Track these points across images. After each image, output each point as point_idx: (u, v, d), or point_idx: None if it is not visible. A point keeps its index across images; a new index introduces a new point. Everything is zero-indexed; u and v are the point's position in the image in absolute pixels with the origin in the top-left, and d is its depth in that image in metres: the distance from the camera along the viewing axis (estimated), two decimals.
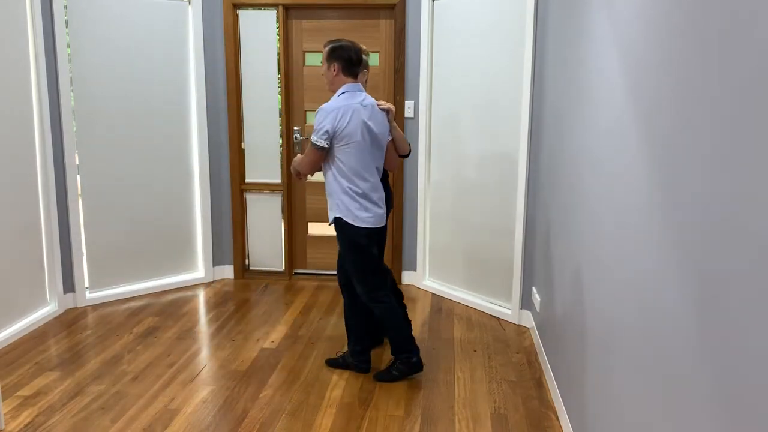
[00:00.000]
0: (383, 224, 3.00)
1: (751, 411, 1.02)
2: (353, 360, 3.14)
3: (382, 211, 2.98)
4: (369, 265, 2.95)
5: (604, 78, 2.12)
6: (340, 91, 2.89)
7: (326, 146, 2.84)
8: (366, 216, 2.90)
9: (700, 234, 1.25)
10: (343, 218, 2.90)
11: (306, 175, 3.01)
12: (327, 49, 2.89)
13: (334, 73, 2.89)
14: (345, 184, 2.88)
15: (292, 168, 3.02)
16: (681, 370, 1.33)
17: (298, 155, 3.00)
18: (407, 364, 3.04)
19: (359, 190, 2.89)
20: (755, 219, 1.02)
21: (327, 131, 2.81)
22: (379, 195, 2.97)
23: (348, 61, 2.87)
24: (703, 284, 1.23)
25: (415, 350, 3.05)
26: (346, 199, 2.89)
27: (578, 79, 2.56)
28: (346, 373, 3.13)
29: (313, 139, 2.83)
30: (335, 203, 2.92)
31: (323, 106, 2.85)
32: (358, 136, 2.84)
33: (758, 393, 1.00)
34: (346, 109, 2.82)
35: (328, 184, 2.95)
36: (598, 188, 2.15)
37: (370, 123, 2.87)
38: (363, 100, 2.88)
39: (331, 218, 2.96)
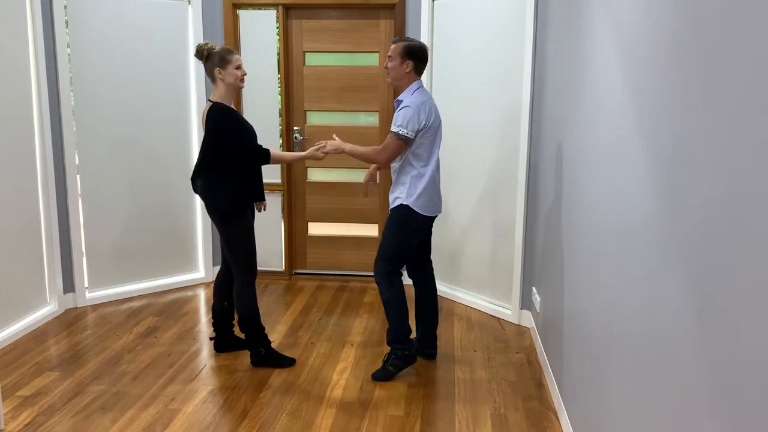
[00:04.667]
0: (440, 212, 3.15)
1: (751, 411, 1.02)
2: (420, 345, 3.28)
3: (440, 200, 3.14)
4: (406, 249, 3.08)
5: (603, 78, 2.12)
6: (414, 86, 3.02)
7: (413, 138, 2.94)
8: (431, 205, 3.05)
9: (701, 234, 1.25)
10: (411, 206, 3.00)
11: (383, 167, 3.06)
12: (401, 45, 3.00)
13: (407, 70, 3.01)
14: (420, 171, 3.00)
15: (362, 158, 3.04)
16: (680, 370, 1.33)
17: (364, 148, 3.03)
18: (402, 358, 3.09)
19: (431, 178, 3.02)
20: (756, 219, 1.02)
21: (418, 124, 2.93)
22: (439, 184, 3.12)
23: (420, 61, 3.02)
24: (703, 284, 1.23)
25: (411, 343, 3.11)
26: (417, 187, 3.00)
27: (578, 79, 2.56)
28: (346, 373, 3.13)
29: (402, 131, 2.92)
30: (405, 190, 3.01)
31: (409, 102, 2.96)
32: (438, 128, 3.03)
33: (758, 393, 1.00)
34: (431, 103, 3.00)
35: (400, 172, 3.04)
36: (598, 188, 2.16)
37: (439, 116, 3.05)
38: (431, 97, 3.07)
39: (397, 204, 3.04)
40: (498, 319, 3.90)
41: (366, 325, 3.75)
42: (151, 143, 4.19)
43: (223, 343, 3.35)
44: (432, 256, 4.35)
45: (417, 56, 2.99)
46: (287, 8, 4.35)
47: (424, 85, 4.18)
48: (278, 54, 4.39)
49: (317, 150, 3.10)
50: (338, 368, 3.19)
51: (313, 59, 4.47)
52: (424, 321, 3.26)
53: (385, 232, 3.09)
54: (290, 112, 4.52)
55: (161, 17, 4.12)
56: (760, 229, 1.00)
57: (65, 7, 3.77)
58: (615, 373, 1.87)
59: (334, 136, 3.18)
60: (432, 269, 3.29)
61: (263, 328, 3.19)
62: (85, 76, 3.90)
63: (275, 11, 4.34)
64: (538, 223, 3.52)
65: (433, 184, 3.05)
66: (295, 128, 4.53)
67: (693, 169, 1.29)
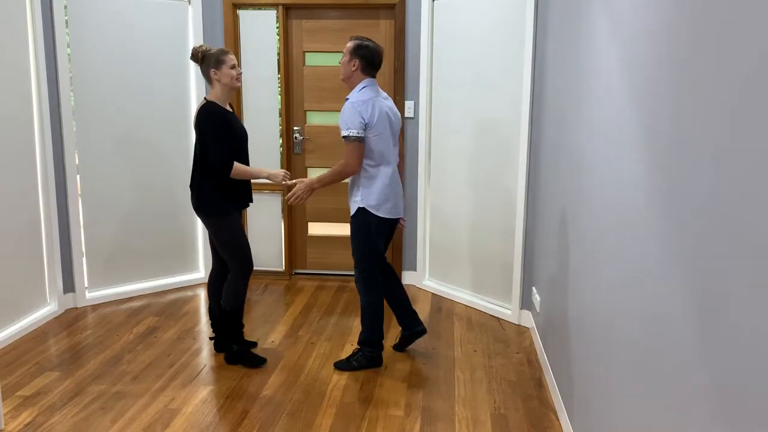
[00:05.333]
0: (401, 215, 3.15)
1: (750, 410, 1.02)
2: (408, 333, 3.36)
3: (401, 202, 3.14)
4: (374, 253, 3.09)
5: (603, 77, 2.12)
6: (362, 85, 3.03)
7: (362, 136, 2.95)
8: (388, 207, 3.06)
9: (700, 234, 1.25)
10: (368, 209, 3.02)
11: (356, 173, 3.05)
12: (353, 44, 3.01)
13: (353, 68, 3.02)
14: (373, 173, 3.03)
15: (336, 178, 3.04)
16: (680, 370, 1.33)
17: (331, 171, 3.02)
18: (369, 358, 3.18)
19: (386, 179, 3.04)
20: (755, 218, 1.02)
21: (361, 122, 2.94)
22: (400, 185, 3.13)
23: (369, 62, 3.03)
24: (703, 284, 1.23)
25: (380, 348, 3.19)
26: (371, 189, 3.02)
27: (578, 78, 2.56)
28: (346, 373, 3.14)
29: (351, 133, 2.94)
30: (360, 193, 3.04)
31: (351, 101, 2.97)
32: (386, 126, 3.03)
33: (757, 393, 1.00)
34: (374, 101, 2.99)
35: (356, 176, 3.06)
36: (597, 187, 2.16)
37: (390, 114, 3.06)
38: (381, 93, 3.09)
39: (355, 208, 3.06)
40: (498, 319, 3.90)
41: None
42: (151, 143, 4.19)
43: (223, 342, 3.35)
44: (432, 256, 4.39)
45: (365, 56, 3.01)
46: (287, 8, 4.35)
47: (422, 84, 4.21)
48: (278, 54, 4.39)
49: (284, 176, 3.08)
50: None
51: (313, 59, 4.47)
52: (400, 309, 3.32)
53: (351, 241, 3.13)
54: (290, 112, 4.52)
55: (161, 17, 4.11)
56: (760, 229, 1.00)
57: (65, 7, 3.77)
58: (615, 373, 1.87)
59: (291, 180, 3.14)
60: (387, 261, 3.35)
61: (242, 326, 3.23)
62: (85, 76, 3.90)
63: (275, 11, 4.34)
64: (538, 223, 3.52)
65: (390, 185, 3.04)
66: (295, 128, 4.53)
67: (692, 168, 1.29)
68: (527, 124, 3.62)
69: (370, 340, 3.16)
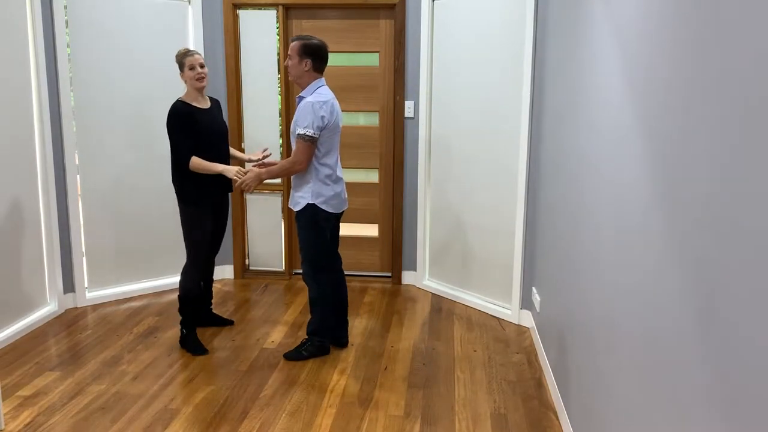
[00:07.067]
0: (345, 208, 3.25)
1: (751, 410, 1.02)
2: (333, 335, 3.44)
3: (345, 196, 3.24)
4: (323, 246, 3.18)
5: (604, 77, 2.12)
6: (317, 84, 3.09)
7: (317, 137, 3.02)
8: (335, 202, 3.15)
9: (701, 233, 1.25)
10: (317, 204, 3.09)
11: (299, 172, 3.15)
12: (299, 44, 3.05)
13: (306, 68, 3.07)
14: (323, 170, 3.10)
15: (283, 173, 3.12)
16: (681, 370, 1.33)
17: (280, 165, 3.12)
18: (317, 347, 3.30)
19: (334, 176, 3.14)
20: (755, 221, 1.02)
21: (321, 123, 3.01)
22: (343, 179, 3.22)
23: (320, 59, 3.09)
24: (704, 284, 1.23)
25: (328, 337, 3.33)
26: (321, 185, 3.10)
27: (578, 79, 2.56)
28: (346, 373, 3.14)
29: (308, 132, 2.99)
30: (309, 189, 3.10)
31: (310, 100, 3.02)
32: (338, 124, 3.11)
33: (758, 393, 1.00)
34: (332, 101, 3.06)
35: (303, 172, 3.11)
36: (597, 188, 2.16)
37: (339, 112, 3.14)
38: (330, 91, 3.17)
39: (303, 204, 3.11)
40: (498, 319, 3.90)
41: (366, 325, 3.75)
42: (151, 143, 4.19)
43: (201, 316, 3.60)
44: (432, 256, 4.38)
45: (314, 54, 3.06)
46: (287, 8, 4.35)
47: (422, 84, 4.21)
48: (278, 54, 4.39)
49: (236, 173, 3.16)
50: (338, 368, 3.19)
51: None
52: (335, 311, 3.38)
53: (300, 236, 3.18)
54: (290, 112, 4.51)
55: (161, 17, 4.11)
56: (760, 228, 1.00)
57: (65, 7, 3.77)
58: (615, 373, 1.87)
59: (251, 165, 3.25)
60: (340, 261, 3.40)
61: (193, 313, 3.36)
62: (85, 76, 3.90)
63: (275, 11, 4.34)
64: (538, 223, 3.52)
65: (337, 180, 3.14)
66: None
67: (693, 167, 1.29)
68: (527, 124, 3.61)
69: (320, 329, 3.26)
